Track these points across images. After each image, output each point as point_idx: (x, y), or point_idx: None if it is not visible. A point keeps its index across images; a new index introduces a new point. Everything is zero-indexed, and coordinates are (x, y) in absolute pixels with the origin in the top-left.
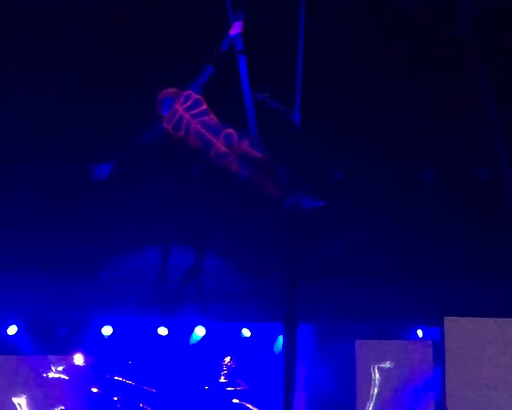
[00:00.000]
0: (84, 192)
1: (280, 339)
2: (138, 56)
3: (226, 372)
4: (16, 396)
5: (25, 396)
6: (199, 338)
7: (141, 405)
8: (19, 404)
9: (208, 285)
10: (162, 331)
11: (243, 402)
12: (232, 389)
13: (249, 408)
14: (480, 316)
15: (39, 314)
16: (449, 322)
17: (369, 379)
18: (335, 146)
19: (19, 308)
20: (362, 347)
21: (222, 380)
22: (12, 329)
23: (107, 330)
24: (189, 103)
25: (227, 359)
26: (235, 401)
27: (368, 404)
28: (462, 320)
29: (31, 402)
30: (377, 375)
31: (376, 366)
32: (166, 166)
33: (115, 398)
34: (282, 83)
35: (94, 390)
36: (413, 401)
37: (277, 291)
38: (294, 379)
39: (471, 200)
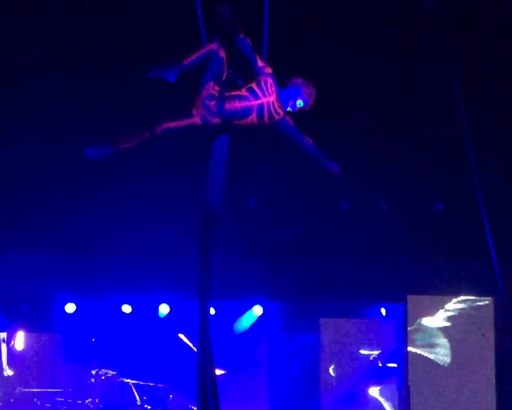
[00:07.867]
0: (49, 171)
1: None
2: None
3: None
4: None
5: None
6: (163, 315)
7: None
8: None
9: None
10: (126, 308)
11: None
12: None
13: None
14: (443, 295)
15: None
16: (412, 300)
17: (332, 355)
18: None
19: None
20: (326, 325)
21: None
22: None
23: (70, 307)
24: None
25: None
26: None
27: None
28: (425, 298)
29: None
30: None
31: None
32: None
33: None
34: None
35: None
36: (376, 378)
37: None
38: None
39: (436, 182)
